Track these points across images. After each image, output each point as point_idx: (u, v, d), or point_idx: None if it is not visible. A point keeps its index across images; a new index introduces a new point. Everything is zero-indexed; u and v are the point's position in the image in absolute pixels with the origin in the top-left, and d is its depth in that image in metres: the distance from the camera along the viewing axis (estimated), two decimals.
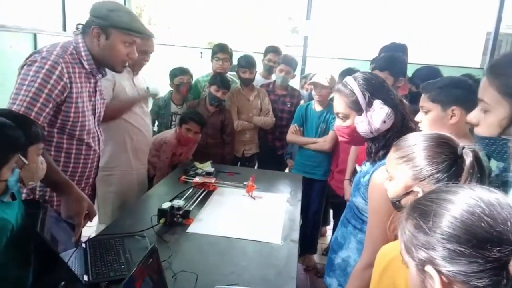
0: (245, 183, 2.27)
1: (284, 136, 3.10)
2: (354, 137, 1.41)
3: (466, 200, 0.63)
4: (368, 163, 1.42)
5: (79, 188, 1.72)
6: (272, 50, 3.50)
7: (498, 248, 0.57)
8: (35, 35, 4.52)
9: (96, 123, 1.76)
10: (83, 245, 1.52)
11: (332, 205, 3.26)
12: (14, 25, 4.29)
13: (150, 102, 3.16)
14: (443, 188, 0.71)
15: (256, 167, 3.41)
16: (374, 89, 1.34)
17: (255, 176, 2.30)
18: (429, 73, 2.41)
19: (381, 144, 1.33)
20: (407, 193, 0.99)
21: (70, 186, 1.50)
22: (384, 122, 1.30)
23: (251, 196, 2.19)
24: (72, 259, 1.38)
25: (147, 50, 2.22)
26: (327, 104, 2.94)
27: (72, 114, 1.58)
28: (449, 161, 0.94)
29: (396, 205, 1.05)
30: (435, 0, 10.81)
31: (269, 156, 3.33)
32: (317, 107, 2.94)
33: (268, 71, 3.50)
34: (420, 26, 10.79)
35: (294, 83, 3.59)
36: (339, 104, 1.40)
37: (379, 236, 1.23)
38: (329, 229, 3.65)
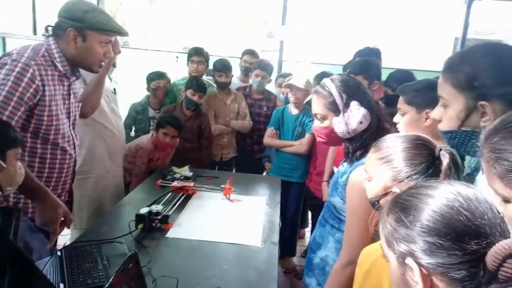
0: (222, 186, 2.26)
1: (261, 140, 3.11)
2: (332, 138, 1.44)
3: (445, 195, 0.66)
4: (345, 163, 1.45)
5: (55, 194, 1.67)
6: (249, 52, 3.54)
7: (476, 241, 0.59)
8: (4, 38, 4.38)
9: (71, 127, 1.72)
10: (59, 253, 1.48)
11: (310, 207, 3.29)
12: None
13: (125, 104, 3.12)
14: (423, 183, 0.74)
15: (234, 171, 3.41)
16: (351, 90, 1.37)
17: (233, 180, 2.30)
18: (403, 76, 2.48)
19: (358, 145, 1.37)
20: (386, 194, 1.02)
21: (44, 192, 1.45)
22: (361, 122, 1.33)
23: (228, 199, 2.18)
24: (47, 267, 1.34)
25: (115, 51, 2.19)
26: (303, 108, 2.98)
27: (45, 118, 1.53)
28: (427, 162, 0.98)
29: (374, 205, 1.07)
30: (406, 6, 11.15)
31: (247, 159, 3.34)
32: (293, 110, 2.97)
33: (245, 72, 3.51)
34: (391, 32, 11.10)
35: (270, 86, 3.62)
36: (317, 105, 1.43)
37: (357, 235, 1.26)
38: (307, 231, 3.68)
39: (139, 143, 2.71)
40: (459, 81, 0.98)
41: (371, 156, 1.08)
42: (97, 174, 2.23)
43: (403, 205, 0.70)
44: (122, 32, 1.66)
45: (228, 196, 2.19)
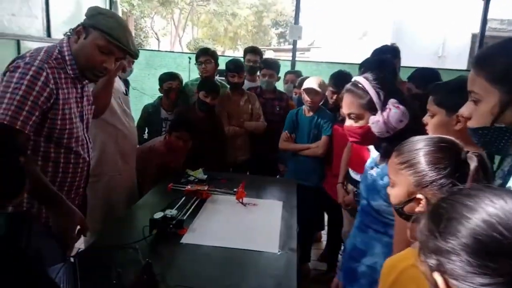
0: (235, 189, 2.21)
1: (275, 140, 3.04)
2: (366, 137, 1.38)
3: (485, 207, 0.58)
4: (382, 165, 1.38)
5: (69, 199, 1.64)
6: (250, 50, 3.49)
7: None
8: (18, 41, 4.40)
9: (84, 130, 1.68)
10: (72, 259, 1.44)
11: (327, 210, 3.21)
12: None
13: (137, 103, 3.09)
14: (464, 190, 0.67)
15: (248, 173, 3.35)
16: (387, 88, 1.32)
17: (248, 182, 2.24)
18: (428, 74, 2.39)
19: (396, 144, 1.29)
20: (410, 200, 0.96)
21: (60, 199, 1.42)
22: (401, 121, 1.28)
23: (241, 203, 2.13)
24: (60, 275, 1.30)
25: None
26: (318, 109, 2.91)
27: (59, 122, 1.50)
28: (452, 166, 0.91)
29: (399, 211, 1.01)
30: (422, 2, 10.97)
31: (261, 161, 3.28)
32: (308, 113, 2.90)
33: (249, 71, 3.44)
34: (407, 27, 10.93)
35: (279, 83, 3.56)
36: (351, 104, 1.37)
37: (407, 238, 1.19)
38: (323, 234, 3.61)
39: (152, 146, 2.67)
40: (493, 74, 0.92)
41: (393, 161, 1.02)
42: (110, 176, 2.20)
43: (436, 214, 0.63)
44: (124, 46, 1.54)
45: (241, 200, 2.14)
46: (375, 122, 1.31)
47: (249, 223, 1.89)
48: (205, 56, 3.13)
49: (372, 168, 1.44)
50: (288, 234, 1.79)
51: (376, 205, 1.39)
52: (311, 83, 2.79)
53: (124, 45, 1.54)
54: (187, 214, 1.90)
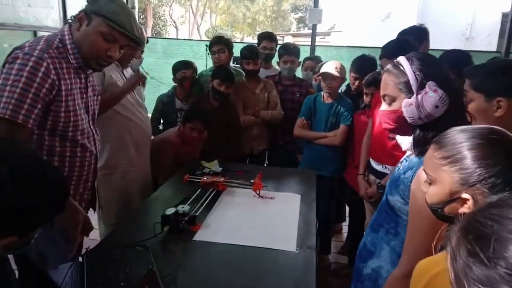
0: (252, 181, 2.11)
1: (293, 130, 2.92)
2: (401, 124, 1.22)
3: None
4: (411, 157, 1.25)
5: (77, 193, 1.60)
6: (266, 36, 3.33)
7: None
8: (35, 32, 4.40)
9: (90, 122, 1.62)
10: (80, 258, 1.39)
11: (348, 202, 3.09)
12: (12, 22, 4.19)
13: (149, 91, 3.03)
14: (509, 199, 0.55)
15: (266, 164, 3.25)
16: (429, 69, 1.15)
17: (265, 174, 2.15)
18: (459, 57, 2.21)
19: (431, 134, 1.14)
20: (453, 200, 0.84)
21: None
22: (437, 107, 1.11)
23: (258, 195, 2.04)
24: (67, 276, 1.25)
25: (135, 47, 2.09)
26: (337, 96, 2.77)
27: (62, 114, 1.44)
28: (505, 162, 0.77)
29: (437, 212, 0.89)
30: None
31: (279, 151, 3.16)
32: (327, 99, 2.76)
33: (266, 59, 3.29)
34: (432, 10, 10.45)
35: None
36: (386, 85, 1.23)
37: (422, 244, 1.06)
38: (344, 225, 3.49)
39: (166, 137, 2.61)
40: None
41: (433, 155, 0.88)
42: (124, 168, 2.15)
43: (479, 233, 0.52)
44: (128, 32, 1.45)
45: (258, 192, 2.05)
46: (407, 105, 1.16)
47: (265, 219, 1.80)
48: (218, 45, 3.01)
49: (401, 162, 1.31)
50: (307, 231, 1.69)
51: (392, 201, 1.26)
52: (328, 67, 2.65)
53: (128, 31, 1.45)
54: (201, 208, 1.82)
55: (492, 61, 1.40)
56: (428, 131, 1.15)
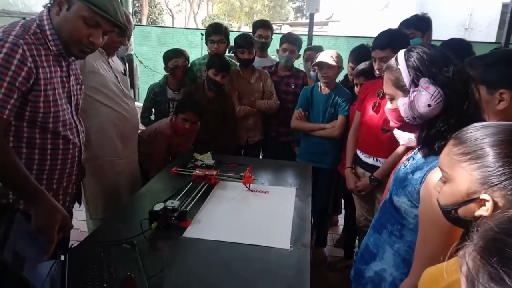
0: (241, 174, 2.04)
1: (289, 121, 2.84)
2: (405, 122, 1.15)
3: None
4: (418, 156, 1.17)
5: (61, 187, 1.52)
6: (262, 24, 3.22)
7: None
8: (23, 19, 4.25)
9: (73, 113, 1.53)
10: (62, 257, 1.31)
11: (343, 194, 3.03)
12: (0, 9, 4.06)
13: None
14: None
15: (261, 156, 3.18)
16: (423, 64, 1.07)
17: (259, 167, 2.08)
18: (460, 47, 2.12)
19: (432, 133, 1.07)
20: (470, 201, 0.76)
21: (41, 194, 1.27)
22: (429, 106, 1.03)
23: (248, 188, 1.96)
24: (48, 276, 1.18)
25: (125, 34, 1.99)
26: (335, 86, 2.69)
27: (41, 104, 1.35)
28: None
29: (449, 214, 0.82)
30: None
31: (274, 143, 3.09)
32: (324, 90, 2.68)
33: (261, 48, 3.19)
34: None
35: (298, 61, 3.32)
36: (386, 83, 1.17)
37: (436, 250, 0.99)
38: (340, 218, 3.44)
39: (158, 128, 2.53)
40: None
41: (451, 151, 0.81)
42: (110, 160, 2.06)
43: (504, 254, 0.45)
44: (111, 16, 1.35)
45: (248, 185, 1.97)
46: (401, 105, 1.09)
47: (258, 214, 1.73)
48: (218, 35, 2.90)
49: (409, 159, 1.24)
50: (301, 227, 1.62)
51: (397, 202, 1.19)
52: (324, 56, 2.57)
53: (111, 16, 1.35)
54: (192, 203, 1.75)
55: (494, 51, 1.33)
56: (430, 130, 1.08)
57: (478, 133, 0.77)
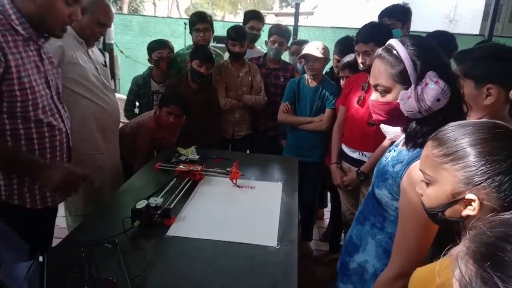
0: (228, 169, 2.00)
1: (277, 115, 2.81)
2: (395, 116, 1.12)
3: None
4: (401, 149, 1.16)
5: None
6: (254, 16, 3.17)
7: None
8: None
9: (54, 97, 1.48)
10: (40, 258, 1.26)
11: (330, 188, 3.04)
12: None
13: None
14: None
15: (248, 150, 3.14)
16: (428, 57, 1.04)
17: (245, 161, 2.05)
18: (442, 39, 2.12)
19: (429, 128, 1.04)
20: (455, 201, 0.76)
21: (35, 163, 1.36)
22: (438, 100, 1.01)
23: (235, 184, 1.93)
24: (25, 278, 1.13)
25: (105, 23, 1.94)
26: (322, 78, 2.67)
27: (17, 93, 1.29)
28: None
29: (436, 217, 0.81)
30: None
31: (261, 137, 3.06)
32: (311, 82, 2.66)
33: (251, 40, 3.15)
34: None
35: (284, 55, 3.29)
36: (380, 74, 1.11)
37: (414, 243, 1.01)
38: (326, 211, 3.45)
39: (141, 121, 2.46)
40: None
41: (431, 153, 0.80)
42: (90, 155, 1.99)
43: (496, 259, 0.43)
44: None
45: (235, 181, 1.94)
46: (405, 98, 1.05)
47: (245, 211, 1.70)
48: (204, 23, 2.84)
49: (390, 151, 1.22)
50: (289, 223, 1.60)
51: (379, 194, 1.19)
52: (310, 49, 2.54)
53: None
54: (176, 200, 1.71)
55: (482, 46, 1.32)
56: (426, 125, 1.06)
57: (457, 133, 0.76)
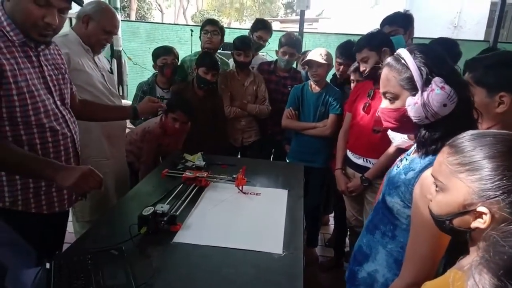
0: (234, 176, 2.01)
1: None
2: (404, 123, 1.13)
3: None
4: (413, 156, 1.16)
5: None
6: (264, 27, 3.19)
7: None
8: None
9: (58, 103, 1.47)
10: (47, 265, 1.27)
11: (334, 194, 3.03)
12: None
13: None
14: None
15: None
16: (434, 63, 1.05)
17: (251, 167, 2.05)
18: (447, 46, 2.12)
19: (438, 134, 1.05)
20: (465, 212, 0.75)
21: (52, 166, 1.33)
22: (445, 105, 1.02)
23: (241, 191, 1.94)
24: (32, 285, 1.14)
25: (111, 31, 1.95)
26: (325, 84, 2.68)
27: (15, 97, 1.29)
28: None
29: (443, 224, 0.80)
30: None
31: (269, 143, 3.08)
32: (314, 88, 2.67)
33: (256, 49, 3.17)
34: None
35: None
36: (388, 81, 1.13)
37: (426, 253, 1.00)
38: (331, 217, 3.44)
39: (147, 127, 2.48)
40: None
41: (446, 160, 0.79)
42: (96, 161, 2.00)
43: (509, 265, 0.44)
44: None
45: (241, 188, 1.94)
46: (412, 104, 1.06)
47: (250, 217, 1.70)
48: (213, 26, 2.89)
49: (401, 160, 1.22)
50: (294, 231, 1.60)
51: (390, 202, 1.18)
52: (313, 55, 2.56)
53: None
54: (182, 206, 1.72)
55: (494, 53, 1.32)
56: (435, 131, 1.06)
57: (475, 142, 0.75)
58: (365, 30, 2.26)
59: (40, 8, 1.27)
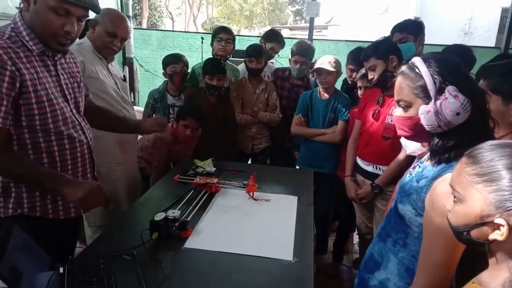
0: (245, 182, 2.02)
1: None
2: (418, 131, 1.12)
3: None
4: (426, 163, 1.15)
5: None
6: (278, 40, 3.23)
7: None
8: None
9: (74, 111, 1.50)
10: (61, 269, 1.29)
11: (342, 199, 3.01)
12: (0, 12, 4.01)
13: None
14: None
15: (269, 162, 3.18)
16: (448, 72, 1.05)
17: (261, 174, 2.05)
18: (460, 53, 2.12)
19: (452, 143, 1.05)
20: (483, 223, 0.74)
21: (55, 178, 1.34)
22: (458, 114, 1.01)
23: (252, 197, 1.94)
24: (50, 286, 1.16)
25: (114, 33, 1.94)
26: (334, 91, 2.69)
27: (35, 106, 1.32)
28: None
29: (461, 235, 0.79)
30: None
31: (280, 150, 3.10)
32: (323, 95, 2.68)
33: (267, 58, 3.19)
34: (431, 4, 10.31)
35: None
36: (402, 90, 1.13)
37: (441, 262, 0.99)
38: None
39: (158, 134, 2.50)
40: None
41: (464, 170, 0.78)
42: (109, 167, 2.04)
43: None
44: (83, 4, 1.31)
45: (251, 194, 1.95)
46: (425, 112, 1.06)
47: (260, 224, 1.71)
48: (227, 34, 2.92)
49: (414, 167, 1.22)
50: (304, 237, 1.60)
51: (402, 210, 1.17)
52: (322, 62, 2.57)
53: (79, 0, 1.30)
54: (193, 212, 1.73)
55: (509, 61, 1.32)
56: (448, 139, 1.05)
57: (494, 153, 0.74)
58: (374, 37, 2.27)
59: (59, 17, 1.30)
